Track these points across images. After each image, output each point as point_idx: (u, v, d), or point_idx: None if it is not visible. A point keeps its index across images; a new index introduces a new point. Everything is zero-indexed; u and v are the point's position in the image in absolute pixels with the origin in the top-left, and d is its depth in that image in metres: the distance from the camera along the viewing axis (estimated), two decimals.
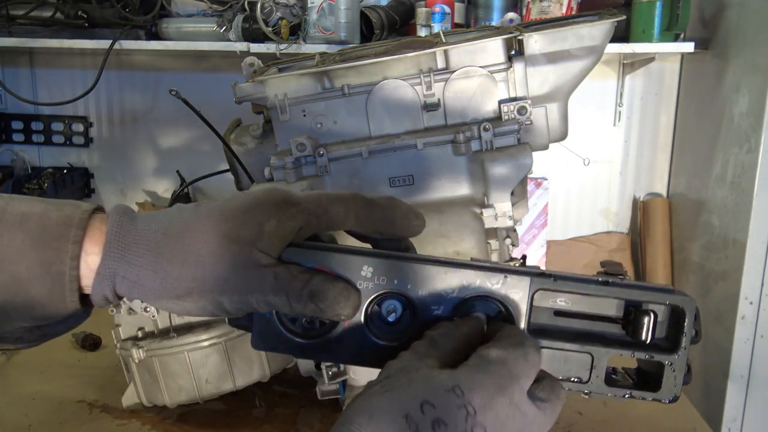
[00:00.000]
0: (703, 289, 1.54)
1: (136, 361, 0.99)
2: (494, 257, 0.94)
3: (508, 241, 0.99)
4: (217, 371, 1.00)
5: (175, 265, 0.42)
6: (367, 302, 0.46)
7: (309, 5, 1.47)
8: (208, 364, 0.99)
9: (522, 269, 0.47)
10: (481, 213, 0.92)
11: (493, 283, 0.46)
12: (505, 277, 0.46)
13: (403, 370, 0.40)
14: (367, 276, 0.45)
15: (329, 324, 0.46)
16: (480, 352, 0.41)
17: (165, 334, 1.01)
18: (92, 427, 1.03)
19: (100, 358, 1.25)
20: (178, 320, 1.02)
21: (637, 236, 1.79)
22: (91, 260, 0.42)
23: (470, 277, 0.46)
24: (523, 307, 0.46)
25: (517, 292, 0.46)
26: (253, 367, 1.02)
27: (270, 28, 1.47)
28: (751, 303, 1.36)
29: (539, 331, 0.47)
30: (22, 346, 0.45)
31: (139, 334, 1.02)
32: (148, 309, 1.00)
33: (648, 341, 0.46)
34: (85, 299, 0.43)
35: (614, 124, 1.78)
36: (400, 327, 0.46)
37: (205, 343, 0.99)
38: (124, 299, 0.45)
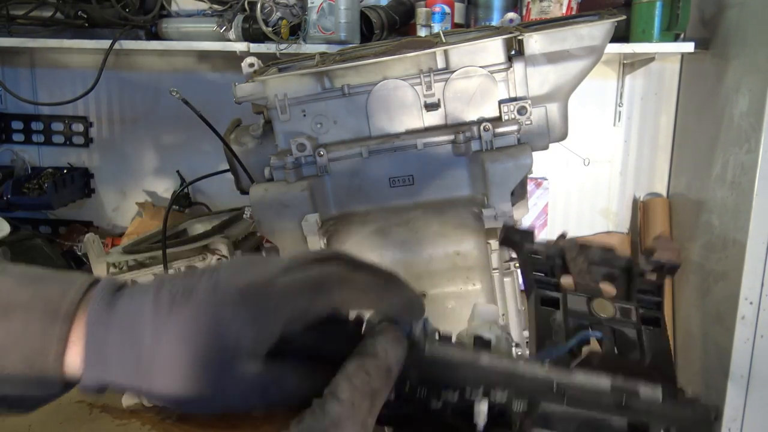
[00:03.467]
0: (703, 289, 1.54)
1: None
2: (494, 257, 0.94)
3: None
4: None
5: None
6: None
7: (309, 5, 1.47)
8: None
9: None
10: (481, 213, 0.92)
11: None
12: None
13: None
14: None
15: None
16: None
17: None
18: (92, 427, 1.03)
19: None
20: None
21: (637, 236, 1.79)
22: (74, 352, 0.38)
23: None
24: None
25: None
26: None
27: (270, 28, 1.47)
28: (751, 303, 1.36)
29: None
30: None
31: None
32: None
33: None
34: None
35: (614, 124, 1.78)
36: None
37: None
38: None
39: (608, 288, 0.51)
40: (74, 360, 0.38)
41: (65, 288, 0.39)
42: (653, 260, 0.50)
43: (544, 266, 0.51)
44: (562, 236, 0.54)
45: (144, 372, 0.38)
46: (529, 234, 0.55)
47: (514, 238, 0.54)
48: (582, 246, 0.51)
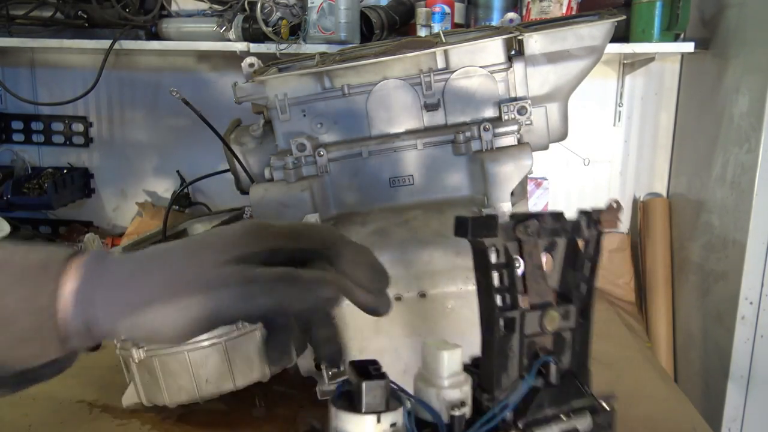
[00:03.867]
0: (703, 289, 1.54)
1: (136, 361, 0.99)
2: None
3: None
4: (217, 371, 1.00)
5: (158, 265, 0.44)
6: None
7: (309, 5, 1.47)
8: (208, 364, 0.99)
9: None
10: (481, 213, 0.92)
11: None
12: None
13: None
14: None
15: None
16: None
17: None
18: (92, 427, 1.03)
19: (100, 358, 1.24)
20: None
21: (637, 236, 1.79)
22: (68, 289, 0.42)
23: None
24: None
25: None
26: (253, 367, 1.02)
27: (270, 28, 1.47)
28: (751, 303, 1.36)
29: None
30: (3, 392, 0.45)
31: None
32: None
33: None
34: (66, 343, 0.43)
35: (614, 124, 1.78)
36: None
37: (205, 343, 0.99)
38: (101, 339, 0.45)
39: (549, 262, 0.51)
40: (66, 307, 0.42)
41: (54, 248, 0.44)
42: (597, 229, 0.49)
43: (501, 268, 0.48)
44: (519, 219, 0.48)
45: (134, 308, 0.42)
46: (488, 223, 0.47)
47: (466, 230, 0.47)
48: (538, 229, 0.47)
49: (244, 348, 1.01)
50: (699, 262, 1.56)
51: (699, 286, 1.56)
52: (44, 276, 0.42)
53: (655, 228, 1.72)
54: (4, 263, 0.42)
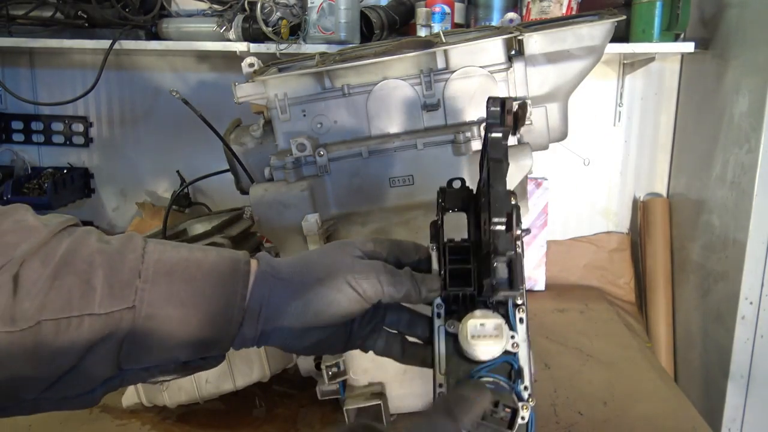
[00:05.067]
0: (703, 289, 1.54)
1: None
2: None
3: None
4: (217, 371, 1.00)
5: (316, 261, 0.55)
6: None
7: (309, 5, 1.47)
8: None
9: None
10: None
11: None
12: None
13: None
14: None
15: None
16: None
17: None
18: (92, 427, 1.03)
19: None
20: None
21: (637, 236, 1.79)
22: (250, 281, 0.52)
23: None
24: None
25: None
26: (253, 367, 1.02)
27: (270, 28, 1.47)
28: (751, 303, 1.36)
29: None
30: (176, 376, 0.53)
31: None
32: None
33: None
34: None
35: (614, 124, 1.78)
36: None
37: None
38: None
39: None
40: (247, 292, 0.52)
41: (234, 253, 0.54)
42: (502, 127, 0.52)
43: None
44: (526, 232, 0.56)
45: (302, 291, 0.52)
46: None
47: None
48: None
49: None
50: (699, 261, 1.56)
51: (699, 286, 1.56)
52: (236, 282, 0.51)
53: (655, 228, 1.72)
54: (201, 266, 0.50)
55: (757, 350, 1.37)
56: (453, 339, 0.52)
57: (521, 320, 0.53)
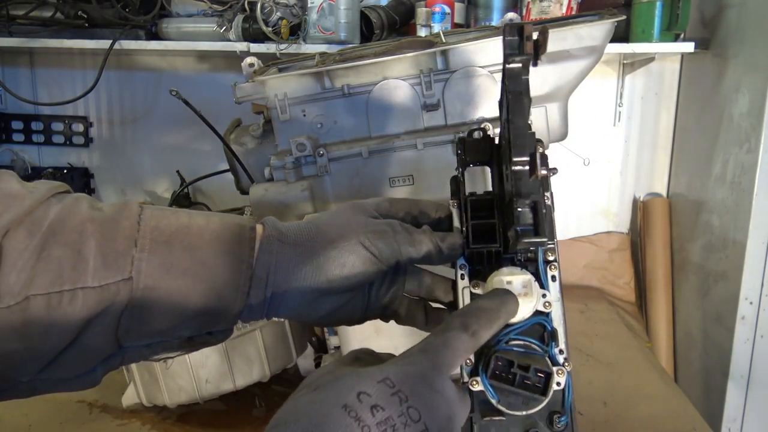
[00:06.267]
0: (703, 289, 1.54)
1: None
2: None
3: None
4: (217, 371, 1.00)
5: (327, 222, 0.51)
6: None
7: (309, 5, 1.47)
8: (208, 364, 0.99)
9: None
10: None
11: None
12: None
13: (328, 373, 0.42)
14: None
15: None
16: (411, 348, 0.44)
17: None
18: (92, 427, 1.03)
19: None
20: None
21: (637, 236, 1.79)
22: (256, 245, 0.49)
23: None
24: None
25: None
26: (253, 367, 1.02)
27: (270, 28, 1.47)
28: (751, 303, 1.36)
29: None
30: (180, 353, 0.49)
31: None
32: None
33: None
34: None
35: (614, 124, 1.78)
36: None
37: None
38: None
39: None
40: (254, 257, 0.48)
41: (239, 217, 0.50)
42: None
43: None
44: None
45: (313, 255, 0.48)
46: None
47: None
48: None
49: (243, 348, 1.01)
50: (699, 262, 1.56)
51: (699, 286, 1.56)
52: (240, 234, 0.48)
53: (655, 228, 1.72)
54: (205, 232, 0.47)
55: (757, 350, 1.37)
56: None
57: (553, 278, 0.49)
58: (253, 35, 1.51)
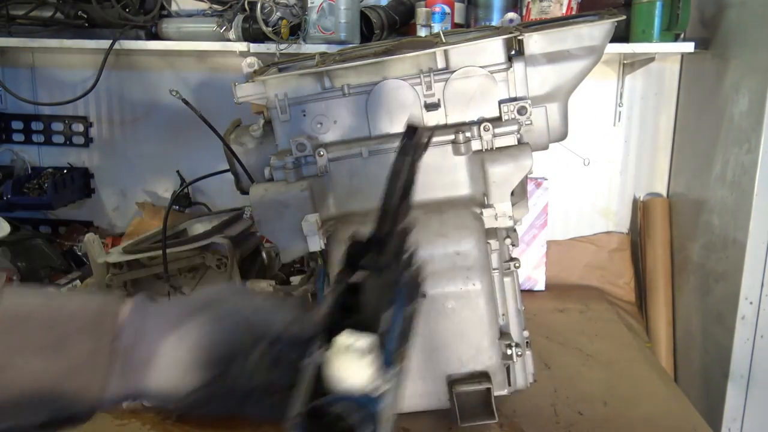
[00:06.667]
0: (703, 289, 1.54)
1: None
2: (494, 257, 0.94)
3: (508, 241, 0.99)
4: None
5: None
6: None
7: (309, 5, 1.47)
8: None
9: None
10: (481, 213, 0.92)
11: None
12: None
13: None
14: None
15: None
16: None
17: None
18: (92, 427, 1.02)
19: None
20: None
21: (637, 236, 1.79)
22: (120, 322, 0.47)
23: None
24: None
25: None
26: None
27: (270, 28, 1.47)
28: (751, 303, 1.36)
29: None
30: None
31: None
32: None
33: None
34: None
35: (614, 124, 1.78)
36: None
37: None
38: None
39: None
40: (118, 332, 0.46)
41: (105, 301, 0.48)
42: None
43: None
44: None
45: (176, 325, 0.46)
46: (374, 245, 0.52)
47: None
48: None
49: None
50: (699, 262, 1.56)
51: (699, 286, 1.56)
52: (103, 307, 0.46)
53: (655, 228, 1.72)
54: (74, 315, 0.45)
55: (757, 350, 1.37)
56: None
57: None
58: (253, 35, 1.51)
